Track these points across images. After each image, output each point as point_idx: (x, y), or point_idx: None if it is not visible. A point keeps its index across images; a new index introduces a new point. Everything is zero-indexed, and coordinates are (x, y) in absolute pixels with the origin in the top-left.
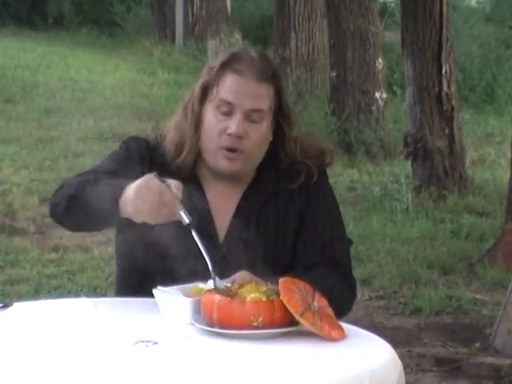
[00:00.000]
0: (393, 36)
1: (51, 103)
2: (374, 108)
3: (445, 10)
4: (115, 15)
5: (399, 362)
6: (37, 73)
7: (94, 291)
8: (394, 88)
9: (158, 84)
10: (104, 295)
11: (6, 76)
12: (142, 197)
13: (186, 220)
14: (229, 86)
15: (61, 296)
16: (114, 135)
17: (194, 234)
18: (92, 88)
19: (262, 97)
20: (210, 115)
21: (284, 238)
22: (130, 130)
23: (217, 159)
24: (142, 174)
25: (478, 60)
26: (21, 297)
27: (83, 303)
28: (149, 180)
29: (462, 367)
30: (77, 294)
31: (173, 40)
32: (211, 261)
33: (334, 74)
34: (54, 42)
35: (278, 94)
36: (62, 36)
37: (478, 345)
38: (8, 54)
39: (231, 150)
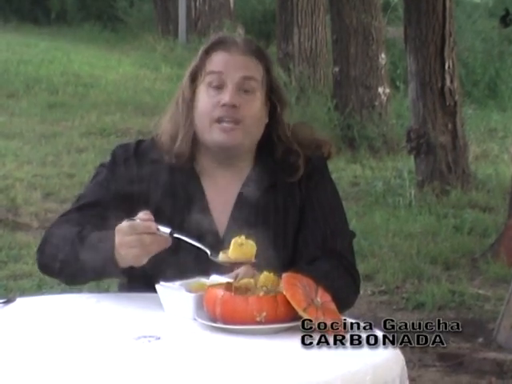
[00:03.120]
0: (396, 31)
1: (54, 98)
2: (376, 103)
3: (448, 4)
4: (118, 10)
5: (402, 357)
6: (40, 68)
7: (97, 286)
8: (397, 83)
9: (160, 79)
10: (107, 290)
11: (9, 71)
12: (126, 245)
13: (167, 231)
14: (217, 61)
15: (64, 291)
16: (117, 130)
17: (179, 236)
18: (95, 83)
19: (251, 67)
20: (203, 94)
21: (284, 231)
22: (133, 125)
23: (213, 134)
24: (131, 183)
25: (480, 55)
26: (24, 292)
27: (86, 298)
28: (119, 230)
29: (464, 362)
30: (79, 290)
31: (176, 35)
32: (207, 247)
33: (336, 69)
34: (56, 38)
35: (267, 73)
36: (64, 31)
37: (480, 340)
38: (11, 49)
39: (227, 120)
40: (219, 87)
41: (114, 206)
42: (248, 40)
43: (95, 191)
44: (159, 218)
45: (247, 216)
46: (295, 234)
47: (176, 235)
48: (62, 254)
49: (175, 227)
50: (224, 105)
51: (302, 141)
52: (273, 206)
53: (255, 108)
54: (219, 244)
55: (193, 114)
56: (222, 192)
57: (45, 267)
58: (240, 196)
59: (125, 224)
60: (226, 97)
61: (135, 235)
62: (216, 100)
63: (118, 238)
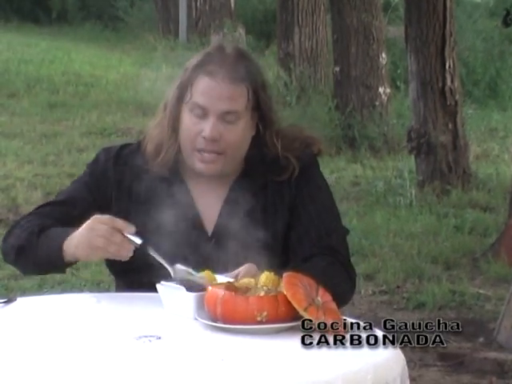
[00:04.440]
0: (396, 31)
1: (55, 98)
2: (377, 103)
3: (448, 4)
4: (119, 10)
5: (402, 356)
6: (40, 67)
7: (98, 286)
8: (398, 83)
9: (161, 79)
10: (107, 290)
11: (10, 71)
12: (95, 231)
13: (138, 242)
14: (201, 90)
15: (64, 291)
16: (118, 130)
17: (150, 251)
18: (95, 83)
19: (235, 98)
20: (186, 117)
21: (274, 228)
22: (134, 124)
23: (193, 161)
24: (107, 185)
25: (481, 55)
26: (24, 291)
27: (87, 298)
28: (97, 216)
29: (465, 362)
30: (80, 289)
31: (176, 35)
32: (172, 269)
33: (337, 68)
34: (57, 37)
35: (255, 92)
36: (65, 31)
37: (481, 340)
38: (12, 49)
39: (207, 151)
40: (202, 117)
41: (89, 205)
42: (238, 57)
43: (74, 189)
44: (147, 223)
45: (235, 217)
46: (286, 231)
47: (148, 250)
48: (20, 241)
49: (163, 231)
50: (204, 137)
51: (291, 144)
52: (261, 204)
53: (237, 136)
54: (207, 242)
55: (178, 129)
56: (209, 195)
57: (6, 255)
58: (228, 198)
59: (106, 215)
60: (206, 129)
61: (110, 227)
62: (198, 129)
63: (91, 222)
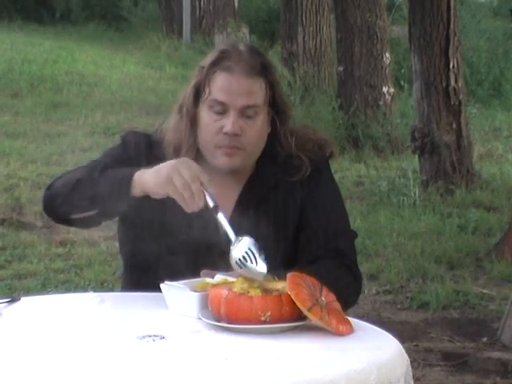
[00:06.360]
0: (400, 30)
1: (58, 98)
2: (381, 102)
3: (452, 4)
4: (122, 10)
5: (406, 356)
6: (44, 67)
7: (101, 286)
8: (402, 82)
9: (165, 79)
10: (111, 290)
11: (14, 70)
12: (177, 169)
13: (211, 203)
14: (220, 86)
15: (68, 290)
16: (121, 130)
17: (219, 217)
18: (99, 82)
19: (254, 92)
20: (205, 115)
21: (285, 229)
22: (137, 124)
23: (216, 157)
24: (137, 166)
25: (485, 54)
26: (28, 291)
27: (90, 297)
28: (185, 159)
29: (468, 362)
30: (84, 289)
31: (180, 34)
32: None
33: (341, 68)
34: (61, 37)
35: (271, 87)
36: (69, 30)
37: (484, 339)
38: (15, 49)
39: (229, 147)
40: (222, 113)
41: None
42: (253, 53)
43: (106, 162)
44: (160, 216)
45: (248, 216)
46: (296, 232)
47: (218, 213)
48: (78, 176)
49: (178, 229)
50: (226, 133)
51: (304, 144)
52: (273, 205)
53: (257, 131)
54: (218, 244)
55: (196, 129)
56: (223, 191)
57: (52, 200)
58: (240, 198)
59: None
60: (228, 125)
61: (195, 174)
62: (218, 125)
63: (179, 161)
